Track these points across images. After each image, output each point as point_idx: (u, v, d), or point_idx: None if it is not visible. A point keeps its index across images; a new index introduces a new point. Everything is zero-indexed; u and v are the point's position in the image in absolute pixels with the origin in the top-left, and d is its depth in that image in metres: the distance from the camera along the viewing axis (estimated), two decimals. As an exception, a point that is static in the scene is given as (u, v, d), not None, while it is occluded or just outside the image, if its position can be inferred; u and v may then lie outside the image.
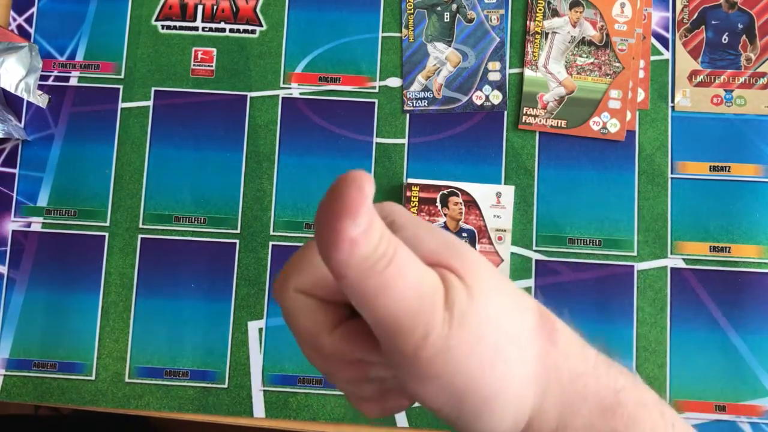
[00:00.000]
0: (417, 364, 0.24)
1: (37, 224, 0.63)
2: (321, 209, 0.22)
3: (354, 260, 0.22)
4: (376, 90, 0.65)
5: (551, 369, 0.26)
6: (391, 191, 0.63)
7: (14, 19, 0.66)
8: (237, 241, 0.63)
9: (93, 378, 0.61)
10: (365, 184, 0.22)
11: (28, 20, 0.66)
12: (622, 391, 0.26)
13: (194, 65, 0.65)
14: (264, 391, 0.61)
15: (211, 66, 0.65)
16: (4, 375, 0.61)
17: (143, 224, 0.63)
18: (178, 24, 0.66)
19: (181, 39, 0.66)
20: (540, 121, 0.64)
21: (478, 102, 0.64)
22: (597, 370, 0.27)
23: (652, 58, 0.65)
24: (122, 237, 0.63)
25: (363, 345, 0.27)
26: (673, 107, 0.64)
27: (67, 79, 0.65)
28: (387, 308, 0.23)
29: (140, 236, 0.63)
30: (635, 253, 0.62)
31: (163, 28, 0.66)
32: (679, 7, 0.65)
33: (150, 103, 0.65)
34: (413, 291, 0.23)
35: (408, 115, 0.64)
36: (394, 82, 0.65)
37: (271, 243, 0.63)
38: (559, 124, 0.63)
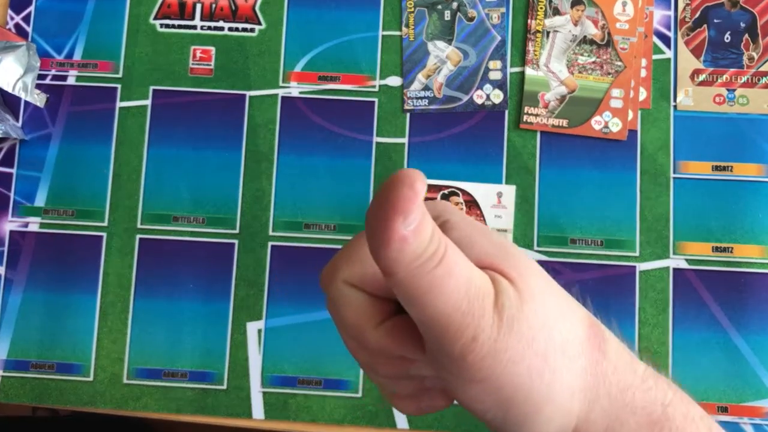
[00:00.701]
0: (464, 366, 0.24)
1: (34, 224, 0.63)
2: (372, 206, 0.22)
3: (403, 258, 0.22)
4: (376, 89, 0.64)
5: (600, 380, 0.26)
6: (391, 191, 0.63)
7: (12, 18, 0.66)
8: (236, 241, 0.62)
9: (91, 379, 0.61)
10: (417, 182, 0.22)
11: (26, 19, 0.66)
12: (671, 406, 0.26)
13: (193, 64, 0.65)
14: (263, 392, 0.60)
15: (210, 65, 0.65)
16: (2, 376, 0.61)
17: (141, 224, 0.63)
18: (176, 23, 0.66)
19: (180, 38, 0.66)
20: (541, 120, 0.63)
21: (479, 101, 0.64)
22: (645, 383, 0.26)
23: (654, 57, 0.64)
24: (120, 237, 0.63)
25: (407, 342, 0.26)
26: (675, 106, 0.64)
27: (64, 78, 0.65)
28: (435, 308, 0.23)
29: (138, 236, 0.63)
30: (637, 254, 0.62)
31: (161, 27, 0.66)
32: (681, 5, 0.65)
33: (148, 102, 0.65)
34: (462, 292, 0.23)
35: (408, 115, 0.64)
36: (395, 81, 0.64)
37: (270, 243, 0.62)
38: (560, 124, 0.63)
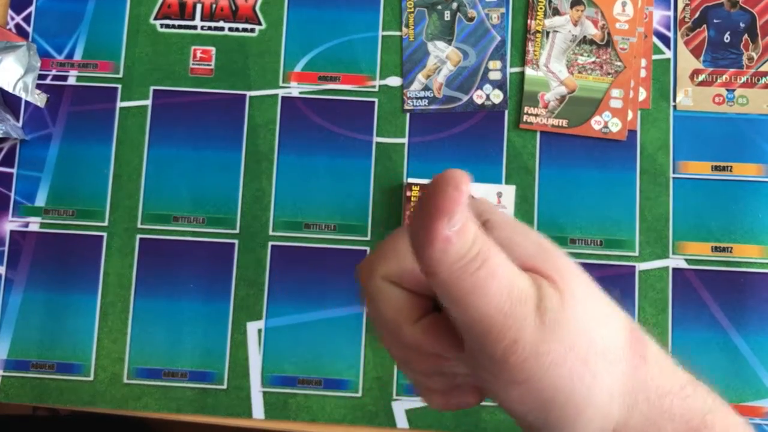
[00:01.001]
0: (504, 368, 0.24)
1: (35, 224, 0.63)
2: (417, 206, 0.23)
3: (447, 259, 0.22)
4: (376, 89, 0.64)
5: (640, 385, 0.26)
6: (391, 191, 0.63)
7: (12, 18, 0.66)
8: (236, 241, 0.63)
9: (91, 379, 0.61)
10: (462, 183, 0.22)
11: (26, 19, 0.66)
12: (710, 413, 0.26)
13: (193, 64, 0.65)
14: (263, 392, 0.60)
15: (210, 65, 0.65)
16: (2, 376, 0.61)
17: (142, 224, 0.63)
18: (176, 23, 0.66)
19: (180, 38, 0.66)
20: (541, 120, 0.63)
21: (479, 101, 0.64)
22: (684, 390, 0.26)
23: (654, 57, 0.64)
24: (121, 237, 0.63)
25: (444, 341, 0.27)
26: (674, 106, 0.64)
27: (65, 78, 0.65)
28: (477, 310, 0.23)
29: (139, 236, 0.63)
30: (637, 254, 0.62)
31: (161, 27, 0.66)
32: (680, 5, 0.65)
33: (149, 102, 0.65)
34: (505, 294, 0.23)
35: (408, 115, 0.64)
36: (394, 81, 0.65)
37: (270, 243, 0.62)
38: (560, 124, 0.63)
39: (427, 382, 0.29)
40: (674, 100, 0.64)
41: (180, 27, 0.66)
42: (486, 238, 0.24)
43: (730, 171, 0.62)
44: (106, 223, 0.63)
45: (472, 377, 0.28)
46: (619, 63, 0.63)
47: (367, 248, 0.62)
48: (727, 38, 0.64)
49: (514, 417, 0.26)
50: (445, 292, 0.23)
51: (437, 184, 0.22)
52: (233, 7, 0.66)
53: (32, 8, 0.66)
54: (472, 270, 0.23)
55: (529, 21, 0.65)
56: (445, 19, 0.65)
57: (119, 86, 0.65)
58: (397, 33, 0.65)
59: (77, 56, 0.65)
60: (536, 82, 0.64)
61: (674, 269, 0.61)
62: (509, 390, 0.25)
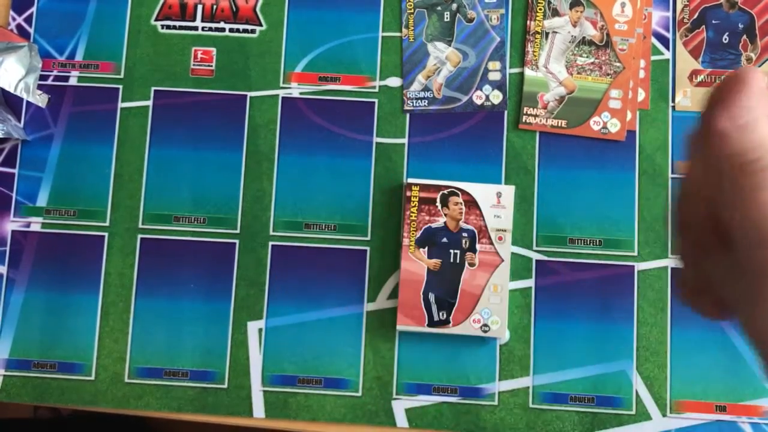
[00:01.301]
0: (761, 275, 0.23)
1: (36, 224, 0.63)
2: (714, 90, 0.24)
3: (724, 150, 0.23)
4: (376, 90, 0.65)
5: None
6: (391, 191, 0.63)
7: (14, 19, 0.66)
8: (237, 241, 0.63)
9: (93, 378, 0.61)
10: (754, 81, 0.23)
11: (28, 20, 0.66)
12: None
13: (194, 65, 0.65)
14: (264, 391, 0.61)
15: (211, 66, 0.65)
16: (4, 375, 0.61)
17: (143, 224, 0.63)
18: (177, 24, 0.66)
19: (181, 39, 0.66)
20: (540, 120, 0.64)
21: (479, 102, 0.64)
22: None
23: (653, 57, 0.64)
24: (122, 237, 0.63)
25: (716, 233, 0.26)
26: (673, 107, 0.64)
27: (66, 78, 0.65)
28: (747, 211, 0.23)
29: (140, 236, 0.63)
30: (636, 253, 0.62)
31: (162, 28, 0.66)
32: (679, 6, 0.65)
33: (150, 102, 0.65)
34: None
35: (408, 115, 0.64)
36: (394, 81, 0.65)
37: (270, 243, 0.63)
38: (559, 124, 0.63)
39: (686, 271, 0.29)
40: (673, 100, 0.64)
41: (181, 28, 0.66)
42: None
43: (729, 171, 0.62)
44: (107, 223, 0.63)
45: (726, 289, 0.27)
46: (618, 64, 0.64)
47: (367, 248, 0.62)
48: (725, 39, 0.64)
49: (755, 341, 0.25)
50: (723, 182, 0.24)
51: (730, 76, 0.23)
52: (234, 8, 0.66)
53: (34, 9, 0.66)
54: (751, 170, 0.23)
55: (528, 22, 0.65)
56: (445, 20, 0.65)
57: (120, 87, 0.65)
58: (397, 34, 0.65)
59: (78, 57, 0.66)
60: (535, 82, 0.64)
61: (673, 269, 0.62)
62: (759, 305, 0.24)
